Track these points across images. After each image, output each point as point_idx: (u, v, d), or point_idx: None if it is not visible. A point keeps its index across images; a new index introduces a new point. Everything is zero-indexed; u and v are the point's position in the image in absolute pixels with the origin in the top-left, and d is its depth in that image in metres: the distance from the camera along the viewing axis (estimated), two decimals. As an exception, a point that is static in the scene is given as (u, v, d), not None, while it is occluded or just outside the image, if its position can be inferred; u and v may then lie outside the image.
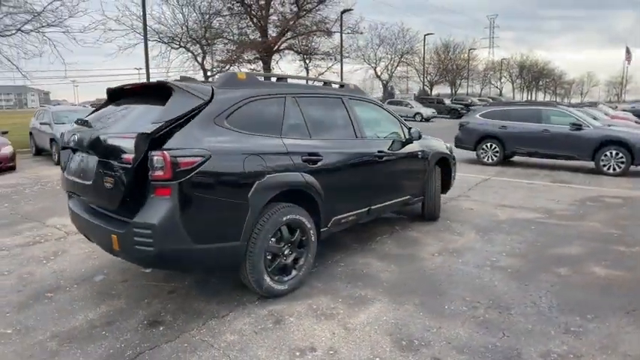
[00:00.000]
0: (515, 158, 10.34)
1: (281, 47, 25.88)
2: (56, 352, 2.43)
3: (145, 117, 2.66)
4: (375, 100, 4.61)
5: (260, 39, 24.05)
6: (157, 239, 2.43)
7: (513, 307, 2.98)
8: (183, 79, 3.21)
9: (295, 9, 24.39)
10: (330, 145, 3.52)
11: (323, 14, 24.56)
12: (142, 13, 15.59)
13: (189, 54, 20.96)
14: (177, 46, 19.98)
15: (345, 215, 3.69)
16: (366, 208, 3.95)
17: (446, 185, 5.49)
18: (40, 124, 11.01)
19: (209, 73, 21.76)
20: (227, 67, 21.92)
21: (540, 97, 72.61)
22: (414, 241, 4.46)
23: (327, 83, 4.13)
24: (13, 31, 12.48)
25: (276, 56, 27.30)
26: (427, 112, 29.52)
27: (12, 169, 9.21)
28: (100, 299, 3.10)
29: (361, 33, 27.73)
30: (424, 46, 40.12)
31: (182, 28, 19.79)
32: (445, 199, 6.18)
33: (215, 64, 22.64)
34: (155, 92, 2.89)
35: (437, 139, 5.41)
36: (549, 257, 3.98)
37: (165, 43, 19.34)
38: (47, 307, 2.98)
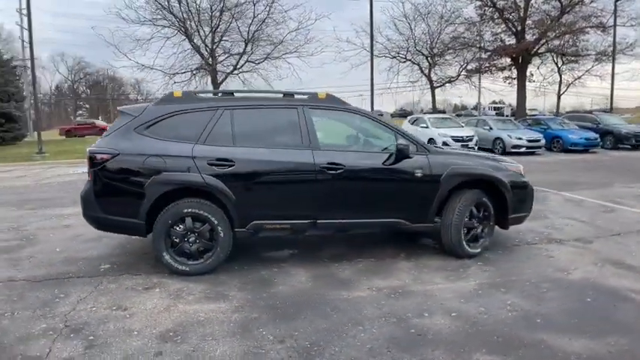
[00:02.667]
0: None
1: (540, 50, 22.51)
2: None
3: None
4: (357, 110, 4.20)
5: (514, 44, 21.80)
6: (82, 207, 3.71)
7: None
8: (165, 97, 4.19)
9: (558, 4, 20.64)
10: (251, 152, 3.76)
11: (594, 6, 19.65)
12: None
13: (416, 66, 21.77)
14: (404, 59, 21.18)
15: (271, 222, 3.82)
16: (309, 221, 3.85)
17: (503, 218, 4.21)
18: None
19: (435, 84, 21.83)
20: (451, 77, 21.27)
21: None
22: (373, 274, 3.82)
23: (287, 95, 4.22)
24: (262, 60, 17.53)
25: (536, 60, 23.96)
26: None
27: None
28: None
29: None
30: None
31: (407, 42, 20.93)
32: (518, 236, 4.69)
33: (442, 73, 22.47)
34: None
35: (476, 156, 4.24)
36: None
37: (392, 57, 21.00)
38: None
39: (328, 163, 3.82)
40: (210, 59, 18.27)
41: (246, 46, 18.30)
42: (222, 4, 17.18)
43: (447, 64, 22.20)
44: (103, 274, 3.77)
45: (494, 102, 44.27)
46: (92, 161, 3.66)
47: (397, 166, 3.93)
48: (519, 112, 23.04)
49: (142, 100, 42.23)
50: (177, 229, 3.68)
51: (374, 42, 18.20)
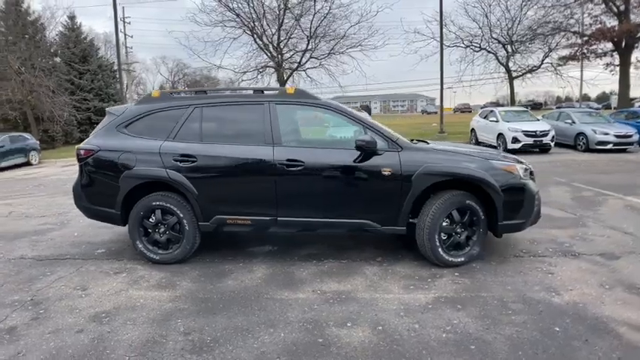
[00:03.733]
0: None
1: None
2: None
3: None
4: (326, 104, 3.96)
5: (616, 27, 18.70)
6: (74, 198, 4.19)
7: None
8: (145, 98, 4.44)
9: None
10: (212, 149, 3.85)
11: None
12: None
13: (491, 55, 19.61)
14: (478, 48, 19.23)
15: (232, 217, 3.87)
16: (270, 218, 3.82)
17: (494, 225, 3.72)
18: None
19: (514, 75, 19.44)
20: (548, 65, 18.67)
21: None
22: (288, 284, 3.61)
23: (257, 91, 4.17)
24: (325, 56, 17.46)
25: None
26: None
27: None
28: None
29: None
30: None
31: (482, 30, 18.93)
32: (528, 246, 4.13)
33: (523, 62, 19.87)
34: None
35: (463, 153, 3.78)
36: None
37: (465, 46, 19.21)
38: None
39: (287, 160, 3.73)
40: (276, 57, 18.90)
41: (308, 43, 18.57)
42: (285, 2, 17.64)
43: (529, 51, 19.66)
44: (93, 258, 4.23)
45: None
46: (78, 157, 4.11)
47: (362, 164, 3.67)
48: (622, 102, 19.51)
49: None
50: (149, 220, 3.95)
51: (445, 31, 17.02)
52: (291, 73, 19.87)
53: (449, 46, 18.62)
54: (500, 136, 12.87)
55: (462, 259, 3.74)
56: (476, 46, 19.09)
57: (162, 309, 3.10)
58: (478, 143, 14.40)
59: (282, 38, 18.66)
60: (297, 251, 4.25)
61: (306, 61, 19.34)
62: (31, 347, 2.62)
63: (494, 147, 12.81)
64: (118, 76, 20.48)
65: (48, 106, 20.14)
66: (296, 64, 19.46)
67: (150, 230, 3.97)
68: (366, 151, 3.62)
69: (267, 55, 19.23)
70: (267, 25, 18.42)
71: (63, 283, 3.60)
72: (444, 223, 3.69)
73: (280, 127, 3.87)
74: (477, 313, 2.89)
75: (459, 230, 3.74)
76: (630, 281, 3.31)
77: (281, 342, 2.61)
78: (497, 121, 13.29)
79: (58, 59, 27.22)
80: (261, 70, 19.68)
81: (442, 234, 3.69)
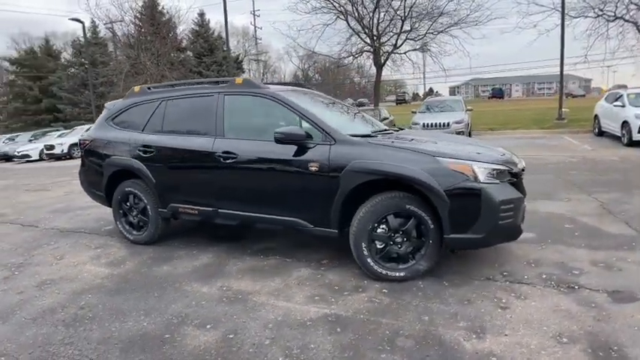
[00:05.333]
0: None
1: None
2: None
3: None
4: (269, 95, 3.69)
5: None
6: (79, 181, 4.88)
7: None
8: (129, 92, 4.76)
9: None
10: (166, 139, 4.05)
11: None
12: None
13: (630, 25, 15.00)
14: (613, 17, 14.95)
15: (182, 206, 4.03)
16: (212, 209, 3.87)
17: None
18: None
19: None
20: None
21: None
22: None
23: (212, 82, 4.13)
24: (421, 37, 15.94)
25: None
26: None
27: None
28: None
29: None
30: None
31: None
32: (516, 268, 3.37)
33: None
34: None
35: (410, 149, 3.16)
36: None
37: (595, 15, 15.16)
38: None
39: (223, 152, 3.70)
40: (375, 40, 18.25)
41: (403, 23, 17.38)
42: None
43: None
44: (96, 233, 4.92)
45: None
46: (80, 146, 4.77)
47: (290, 158, 3.41)
48: None
49: (365, 82, 45.66)
50: (126, 204, 4.40)
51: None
52: (388, 57, 19.07)
53: (573, 17, 15.14)
54: (625, 124, 10.21)
55: (403, 273, 3.18)
56: (610, 14, 14.96)
57: (90, 284, 3.46)
58: (601, 133, 12.11)
59: (377, 21, 17.92)
60: (255, 245, 4.21)
61: (402, 44, 18.29)
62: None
63: (619, 137, 10.39)
64: (238, 67, 22.28)
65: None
66: (392, 47, 18.55)
67: (126, 213, 4.44)
68: (286, 143, 3.35)
69: (361, 39, 18.79)
70: (363, 7, 17.86)
71: (51, 252, 4.31)
72: (380, 230, 3.19)
73: (225, 119, 3.84)
74: (346, 342, 2.44)
75: (398, 240, 3.19)
76: (612, 339, 2.35)
77: (133, 330, 2.65)
78: (623, 106, 10.57)
79: (189, 53, 31.10)
80: (356, 56, 19.38)
81: (377, 242, 3.21)
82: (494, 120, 20.22)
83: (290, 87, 4.44)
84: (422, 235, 3.15)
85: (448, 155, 3.10)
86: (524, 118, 20.35)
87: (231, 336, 2.58)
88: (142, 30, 23.71)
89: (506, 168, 3.16)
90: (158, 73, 21.27)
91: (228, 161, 3.68)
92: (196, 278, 3.47)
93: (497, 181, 3.06)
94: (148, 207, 4.21)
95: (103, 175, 4.47)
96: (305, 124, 3.52)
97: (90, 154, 4.67)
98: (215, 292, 3.20)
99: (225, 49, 30.22)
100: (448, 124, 12.26)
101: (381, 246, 3.21)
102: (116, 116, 4.57)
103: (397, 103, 51.51)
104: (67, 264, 3.95)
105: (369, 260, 3.20)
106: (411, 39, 18.10)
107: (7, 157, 20.20)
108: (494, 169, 3.07)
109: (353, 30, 18.30)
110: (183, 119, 4.16)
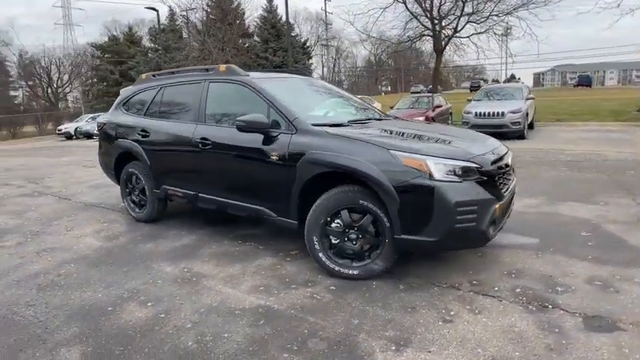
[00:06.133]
0: None
1: None
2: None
3: None
4: (247, 82, 3.64)
5: None
6: (100, 163, 5.32)
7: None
8: (137, 79, 5.04)
9: None
10: (159, 125, 4.26)
11: None
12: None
13: None
14: None
15: (172, 188, 4.23)
16: (193, 193, 4.02)
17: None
18: None
19: None
20: None
21: None
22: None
23: (202, 70, 4.19)
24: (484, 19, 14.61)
25: None
26: None
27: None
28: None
29: None
30: None
31: None
32: (497, 278, 3.14)
33: None
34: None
35: (367, 142, 2.96)
36: None
37: None
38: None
39: (201, 138, 3.80)
40: (433, 24, 17.22)
41: (464, 6, 16.05)
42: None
43: None
44: (111, 208, 5.38)
45: None
46: (98, 128, 5.20)
47: (255, 146, 3.39)
48: None
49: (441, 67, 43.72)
50: (130, 183, 4.75)
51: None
52: (448, 41, 17.93)
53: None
54: None
55: (356, 272, 3.04)
56: None
57: (80, 254, 3.81)
58: None
59: (439, 3, 16.85)
60: (239, 230, 4.28)
61: (462, 28, 17.03)
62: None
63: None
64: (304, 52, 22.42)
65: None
66: (452, 31, 17.39)
67: (131, 192, 4.79)
68: (247, 132, 3.33)
69: (420, 23, 17.84)
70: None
71: (66, 224, 4.81)
72: (334, 225, 3.07)
73: (208, 105, 3.93)
74: (259, 336, 2.37)
75: (353, 236, 3.05)
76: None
77: (87, 300, 2.87)
78: None
79: (257, 39, 31.97)
80: (415, 40, 18.49)
81: (331, 237, 3.10)
82: (568, 110, 18.17)
83: (281, 75, 4.40)
84: (379, 233, 2.97)
85: (403, 149, 2.86)
86: (603, 109, 18.00)
87: (162, 315, 2.69)
88: (210, 17, 24.88)
89: (475, 165, 2.84)
90: (222, 59, 22.25)
91: (205, 147, 3.77)
92: (168, 258, 3.65)
93: (459, 180, 2.76)
94: (146, 187, 4.49)
95: (112, 155, 4.86)
96: (274, 113, 3.47)
97: (104, 137, 5.08)
98: (175, 273, 3.34)
99: (291, 34, 30.59)
100: (503, 113, 11.24)
101: (336, 241, 3.10)
102: (126, 101, 4.90)
103: (471, 90, 48.39)
104: (73, 235, 4.38)
105: (320, 255, 3.11)
106: (473, 22, 16.77)
107: (89, 135, 22.69)
108: (456, 166, 2.78)
109: (412, 14, 17.45)
110: (175, 105, 4.34)
